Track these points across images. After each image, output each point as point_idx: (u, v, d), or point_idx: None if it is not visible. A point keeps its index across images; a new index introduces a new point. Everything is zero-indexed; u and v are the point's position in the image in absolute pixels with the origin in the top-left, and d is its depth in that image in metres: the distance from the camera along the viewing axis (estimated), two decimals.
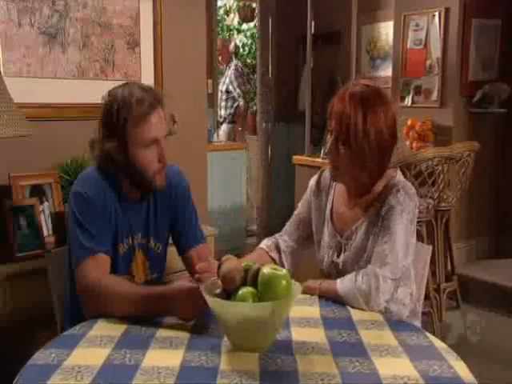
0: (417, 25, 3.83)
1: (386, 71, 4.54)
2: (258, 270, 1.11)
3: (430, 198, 3.07)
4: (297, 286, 1.12)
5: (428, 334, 1.24)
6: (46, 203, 1.99)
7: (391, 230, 1.40)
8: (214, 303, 1.09)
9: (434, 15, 3.71)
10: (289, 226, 1.66)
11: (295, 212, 1.68)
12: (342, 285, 1.39)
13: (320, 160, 3.24)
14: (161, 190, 1.53)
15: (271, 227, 4.93)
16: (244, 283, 1.13)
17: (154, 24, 2.29)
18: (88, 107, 2.09)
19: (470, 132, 3.76)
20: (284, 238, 1.64)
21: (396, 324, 1.29)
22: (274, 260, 1.60)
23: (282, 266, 1.60)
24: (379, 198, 1.47)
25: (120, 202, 1.49)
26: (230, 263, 1.13)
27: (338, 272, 1.50)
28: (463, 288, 3.38)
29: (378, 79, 4.65)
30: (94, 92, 2.10)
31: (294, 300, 1.10)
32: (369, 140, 1.39)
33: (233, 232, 4.28)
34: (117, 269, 1.48)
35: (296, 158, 3.43)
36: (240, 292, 1.10)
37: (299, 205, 1.67)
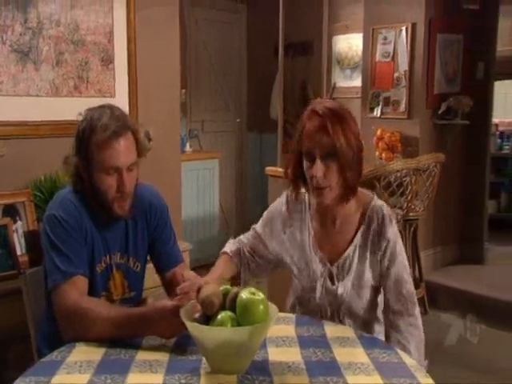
0: (385, 38, 3.93)
1: (357, 81, 4.64)
2: (236, 295, 1.15)
3: (399, 208, 3.17)
4: (273, 310, 1.16)
5: (398, 351, 1.30)
6: (19, 222, 1.98)
7: (406, 267, 1.49)
8: (194, 328, 1.12)
9: (401, 30, 3.82)
10: (250, 241, 1.65)
11: (256, 229, 1.65)
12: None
13: None
14: (134, 211, 1.53)
15: (237, 236, 4.96)
16: (223, 307, 1.16)
17: (128, 40, 2.31)
18: (62, 124, 2.09)
19: (436, 143, 3.89)
20: (246, 250, 1.64)
21: (367, 341, 1.35)
22: (236, 266, 1.63)
23: (238, 275, 1.64)
24: (362, 218, 1.50)
25: (96, 222, 1.49)
26: (209, 288, 1.17)
27: (336, 299, 1.51)
28: (430, 294, 3.48)
29: (350, 89, 4.76)
30: (68, 109, 2.13)
31: (272, 324, 1.14)
32: (351, 146, 1.42)
33: (206, 242, 4.30)
34: (95, 287, 1.48)
35: (269, 170, 3.48)
36: (219, 316, 1.13)
37: (260, 224, 1.65)
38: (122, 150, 1.42)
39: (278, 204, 1.62)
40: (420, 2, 3.74)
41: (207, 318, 1.16)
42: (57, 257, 1.40)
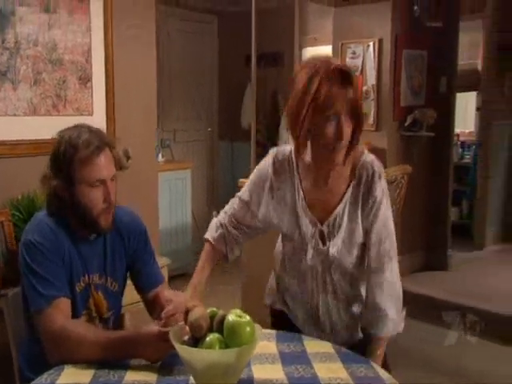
0: (353, 52, 4.06)
1: None
2: (223, 317, 1.21)
3: None
4: (258, 330, 1.22)
5: (374, 365, 1.38)
6: None
7: (386, 224, 1.47)
8: (183, 350, 1.17)
9: (368, 45, 3.96)
10: (236, 211, 1.59)
11: (241, 197, 1.59)
12: (388, 329, 1.52)
13: None
14: (112, 231, 1.55)
15: None
16: (210, 329, 1.22)
17: (106, 58, 2.34)
18: (40, 143, 2.11)
19: (403, 154, 4.05)
20: (232, 224, 1.60)
21: (345, 355, 1.43)
22: (221, 252, 1.62)
23: (226, 257, 1.63)
24: (352, 175, 1.46)
25: (73, 243, 1.51)
26: (197, 311, 1.22)
27: (328, 258, 1.51)
28: None
29: None
30: (46, 128, 2.14)
31: (257, 344, 1.20)
32: (360, 105, 1.42)
33: (180, 251, 4.32)
34: (75, 307, 1.50)
35: (242, 182, 3.53)
36: (207, 339, 1.19)
37: (246, 191, 1.58)
38: (105, 164, 1.46)
39: (264, 168, 1.54)
40: (386, 18, 3.89)
41: (195, 340, 1.21)
42: (36, 281, 1.41)
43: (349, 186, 1.47)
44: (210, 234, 1.64)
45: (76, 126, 1.49)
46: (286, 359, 1.39)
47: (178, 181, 4.41)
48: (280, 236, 1.64)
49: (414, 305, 3.67)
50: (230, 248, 1.63)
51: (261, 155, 4.17)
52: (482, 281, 4.05)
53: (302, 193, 1.50)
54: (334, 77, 1.36)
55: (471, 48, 5.16)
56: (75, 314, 1.49)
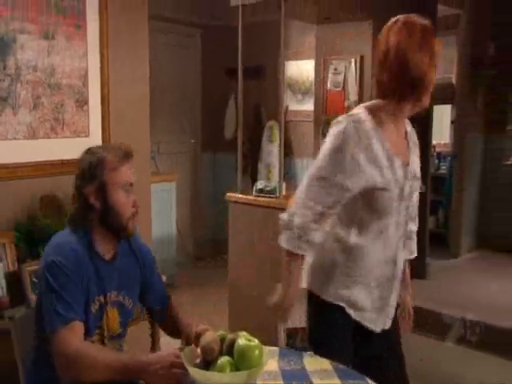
0: (335, 69, 4.20)
1: (308, 105, 4.90)
2: (233, 341, 1.29)
3: None
4: (266, 352, 1.32)
5: (369, 381, 1.49)
6: (0, 264, 2.02)
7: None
8: (196, 373, 1.26)
9: (350, 62, 4.10)
10: (335, 207, 1.56)
11: (346, 185, 1.52)
12: None
13: (253, 198, 3.46)
14: (126, 254, 1.65)
15: (195, 256, 5.08)
16: (220, 352, 1.30)
17: (102, 82, 2.40)
18: (39, 165, 2.16)
19: None
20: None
21: (342, 372, 1.53)
22: None
23: None
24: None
25: (93, 262, 1.57)
26: (209, 335, 1.31)
27: (411, 204, 1.71)
28: None
29: (301, 113, 5.01)
30: (45, 150, 2.20)
31: (265, 365, 1.29)
32: None
33: (165, 263, 4.38)
34: (88, 327, 1.55)
35: (229, 196, 3.61)
36: (219, 362, 1.28)
37: (342, 177, 1.51)
38: (131, 169, 1.60)
39: (342, 143, 1.53)
40: (367, 36, 4.02)
41: (207, 363, 1.30)
42: (57, 302, 1.46)
43: (406, 129, 1.68)
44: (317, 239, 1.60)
45: (98, 146, 1.65)
46: (286, 376, 1.48)
47: (164, 193, 4.47)
48: (341, 214, 1.62)
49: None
50: None
51: (244, 167, 4.23)
52: (456, 288, 4.19)
53: (387, 143, 1.56)
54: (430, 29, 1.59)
55: (446, 63, 5.35)
56: (88, 333, 1.54)
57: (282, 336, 1.88)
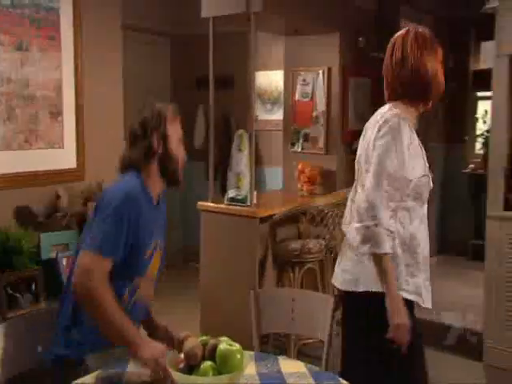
0: (304, 80, 4.31)
1: (277, 115, 5.00)
2: (215, 346, 1.34)
3: (323, 238, 3.50)
4: (247, 356, 1.37)
5: (343, 382, 1.56)
6: None
7: None
8: (181, 378, 1.30)
9: (318, 73, 4.21)
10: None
11: (406, 176, 1.69)
12: None
13: (224, 206, 3.50)
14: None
15: (166, 265, 5.06)
16: (202, 357, 1.35)
17: (76, 93, 2.41)
18: (13, 177, 2.15)
19: (351, 176, 4.30)
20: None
21: (317, 374, 1.60)
22: None
23: None
24: None
25: (148, 206, 1.67)
26: (191, 341, 1.35)
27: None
28: None
29: (270, 122, 5.10)
30: (19, 162, 2.20)
31: (246, 369, 1.35)
32: None
33: None
34: (138, 271, 1.64)
35: (201, 205, 3.64)
36: (202, 366, 1.32)
37: (401, 171, 1.67)
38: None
39: (399, 134, 1.68)
40: (334, 49, 4.16)
41: (190, 368, 1.34)
42: (109, 232, 1.53)
43: None
44: (387, 247, 1.63)
45: (147, 103, 1.78)
46: (264, 379, 1.54)
47: None
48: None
49: None
50: None
51: (214, 176, 4.27)
52: None
53: (416, 135, 1.77)
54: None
55: None
56: (135, 275, 1.64)
57: (256, 341, 1.93)
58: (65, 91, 2.39)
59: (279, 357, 1.69)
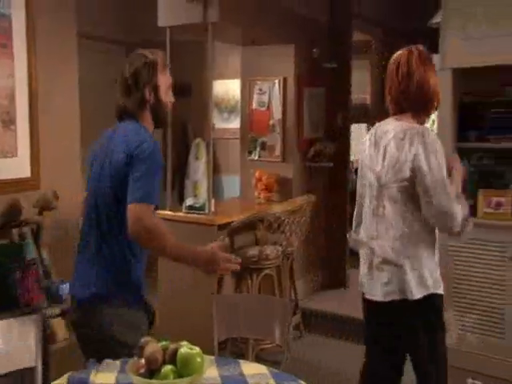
0: (260, 89, 4.38)
1: (234, 124, 5.05)
2: (175, 350, 1.36)
3: (280, 245, 3.56)
4: (207, 359, 1.40)
5: (301, 382, 1.60)
6: None
7: None
8: (142, 382, 1.31)
9: (274, 82, 4.30)
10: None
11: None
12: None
13: (182, 215, 3.51)
14: None
15: None
16: (163, 361, 1.37)
17: (30, 101, 2.38)
18: None
19: (307, 183, 4.42)
20: None
21: (277, 375, 1.63)
22: None
23: None
24: None
25: None
26: (152, 346, 1.37)
27: None
28: (305, 319, 3.89)
29: (228, 130, 5.14)
30: None
31: (206, 371, 1.37)
32: None
33: None
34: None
35: (158, 213, 3.62)
36: (162, 370, 1.34)
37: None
38: None
39: (437, 143, 1.90)
40: (290, 59, 4.26)
41: (151, 372, 1.35)
42: (152, 182, 1.70)
43: None
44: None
45: (137, 53, 1.88)
46: (226, 382, 1.56)
47: None
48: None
49: (319, 322, 4.01)
50: None
51: (171, 184, 4.26)
52: None
53: None
54: None
55: (361, 84, 5.74)
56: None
57: (216, 346, 1.96)
58: (18, 99, 2.34)
59: (240, 361, 1.72)
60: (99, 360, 1.55)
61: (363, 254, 2.06)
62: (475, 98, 3.04)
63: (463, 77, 3.02)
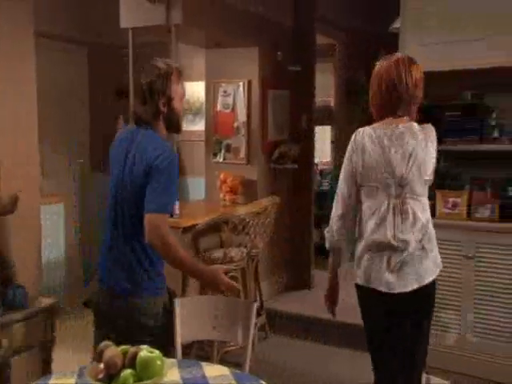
0: (225, 91, 4.39)
1: (199, 126, 5.03)
2: (135, 354, 1.35)
3: (245, 247, 3.57)
4: (167, 362, 1.39)
5: (262, 382, 1.62)
6: None
7: None
8: None
9: (239, 85, 4.31)
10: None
11: None
12: None
13: None
14: None
15: (86, 279, 4.91)
16: (122, 366, 1.36)
17: None
18: None
19: (271, 185, 4.44)
20: None
21: (238, 376, 1.64)
22: None
23: None
24: None
25: None
26: (111, 350, 1.35)
27: None
28: (270, 320, 3.91)
29: (193, 133, 5.12)
30: None
31: (166, 375, 1.37)
32: None
33: (53, 288, 4.20)
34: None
35: None
36: (122, 374, 1.33)
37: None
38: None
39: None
40: (254, 62, 4.29)
41: (110, 377, 1.34)
42: (169, 191, 1.85)
43: None
44: None
45: (152, 63, 1.95)
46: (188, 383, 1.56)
47: (51, 214, 4.30)
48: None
49: (284, 323, 4.04)
50: None
51: None
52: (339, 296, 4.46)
53: None
54: None
55: (325, 87, 5.81)
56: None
57: (179, 349, 1.95)
58: None
59: (203, 363, 1.72)
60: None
61: (378, 253, 2.02)
62: (433, 102, 3.14)
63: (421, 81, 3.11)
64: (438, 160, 2.14)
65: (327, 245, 2.16)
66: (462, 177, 3.13)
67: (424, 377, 2.18)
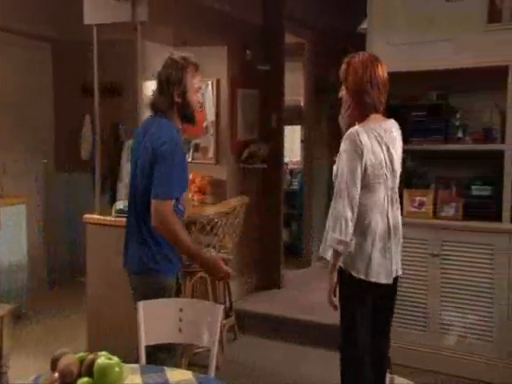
0: None
1: None
2: (92, 361, 1.30)
3: (213, 247, 3.52)
4: (126, 369, 1.34)
5: None
6: None
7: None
8: None
9: (207, 84, 4.26)
10: None
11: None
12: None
13: (113, 219, 3.39)
14: None
15: (49, 282, 4.78)
16: (79, 374, 1.30)
17: None
18: None
19: (241, 185, 4.41)
20: None
21: (203, 381, 1.61)
22: None
23: None
24: None
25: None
26: (67, 358, 1.30)
27: None
28: (239, 321, 3.87)
29: None
30: None
31: (126, 381, 1.32)
32: None
33: (15, 290, 4.07)
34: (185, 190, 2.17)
35: (87, 217, 3.49)
36: (78, 383, 1.27)
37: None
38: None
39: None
40: (223, 61, 4.24)
41: None
42: (173, 178, 1.98)
43: None
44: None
45: (171, 57, 2.15)
46: None
47: (12, 216, 4.16)
48: None
49: (253, 323, 4.01)
50: None
51: (102, 187, 4.14)
52: (308, 295, 4.44)
53: None
54: None
55: (294, 86, 5.80)
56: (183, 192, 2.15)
57: (143, 353, 1.90)
58: None
59: (166, 368, 1.67)
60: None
61: (382, 246, 2.10)
62: (400, 102, 3.16)
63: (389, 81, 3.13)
64: (405, 159, 2.16)
65: (341, 248, 2.02)
66: (427, 176, 3.16)
67: (388, 376, 2.19)
